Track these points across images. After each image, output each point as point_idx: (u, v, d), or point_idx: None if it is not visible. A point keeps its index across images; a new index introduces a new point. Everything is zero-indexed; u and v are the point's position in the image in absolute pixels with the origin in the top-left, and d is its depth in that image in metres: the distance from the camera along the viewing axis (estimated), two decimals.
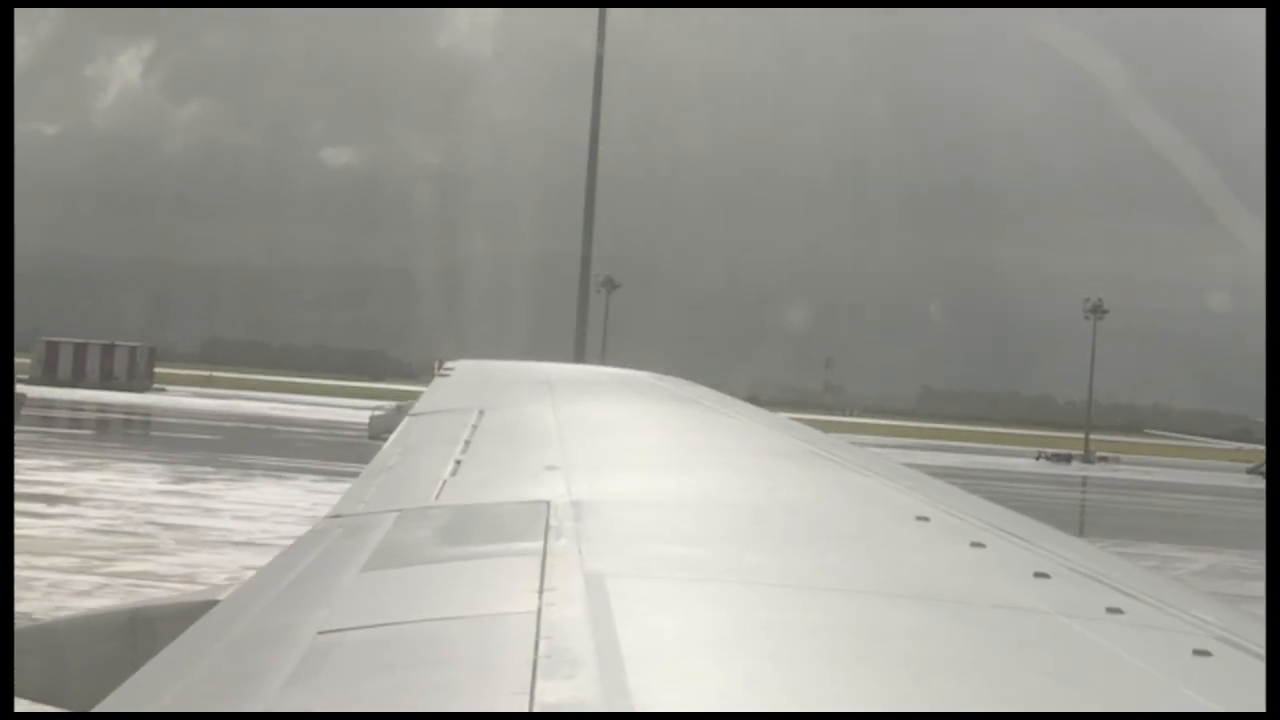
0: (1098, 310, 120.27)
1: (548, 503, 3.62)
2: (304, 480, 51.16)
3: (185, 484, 48.45)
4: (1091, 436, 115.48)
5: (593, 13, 58.19)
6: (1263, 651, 2.56)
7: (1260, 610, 3.57)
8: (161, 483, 47.80)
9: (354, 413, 68.98)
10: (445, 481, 4.37)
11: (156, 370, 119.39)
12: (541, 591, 2.61)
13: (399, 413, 33.85)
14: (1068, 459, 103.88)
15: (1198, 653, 2.60)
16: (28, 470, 48.31)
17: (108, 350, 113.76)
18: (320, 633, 2.48)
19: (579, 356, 57.05)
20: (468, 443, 5.19)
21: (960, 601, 2.96)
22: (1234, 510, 68.38)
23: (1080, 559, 3.63)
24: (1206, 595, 3.47)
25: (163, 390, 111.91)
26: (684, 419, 6.72)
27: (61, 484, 45.46)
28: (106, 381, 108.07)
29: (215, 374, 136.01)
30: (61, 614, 23.70)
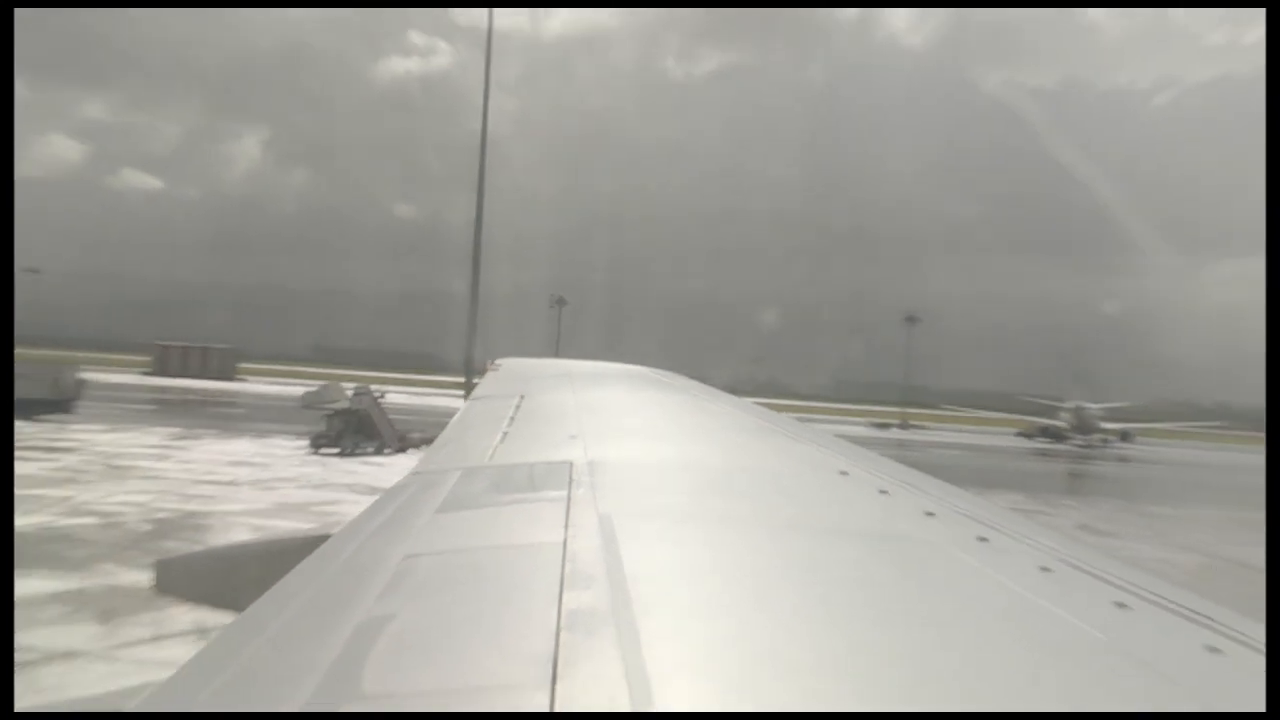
0: (912, 320, 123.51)
1: (570, 463, 3.65)
2: (275, 439, 48.30)
3: (179, 440, 46.44)
4: (932, 412, 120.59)
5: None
6: (1260, 650, 2.19)
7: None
8: (160, 440, 45.87)
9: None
10: (496, 447, 4.40)
11: (247, 365, 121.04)
12: (566, 527, 2.67)
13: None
14: (887, 426, 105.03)
15: (1118, 606, 2.45)
16: (69, 430, 47.52)
17: (202, 351, 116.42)
18: (406, 557, 2.56)
19: (468, 366, 54.04)
20: (511, 419, 5.09)
21: (870, 535, 3.02)
22: (968, 460, 67.62)
23: (961, 503, 3.65)
24: (1123, 561, 3.17)
25: (243, 380, 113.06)
26: (673, 402, 6.55)
27: (78, 440, 43.79)
28: (201, 373, 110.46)
29: (296, 368, 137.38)
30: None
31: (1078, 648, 2.04)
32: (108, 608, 16.20)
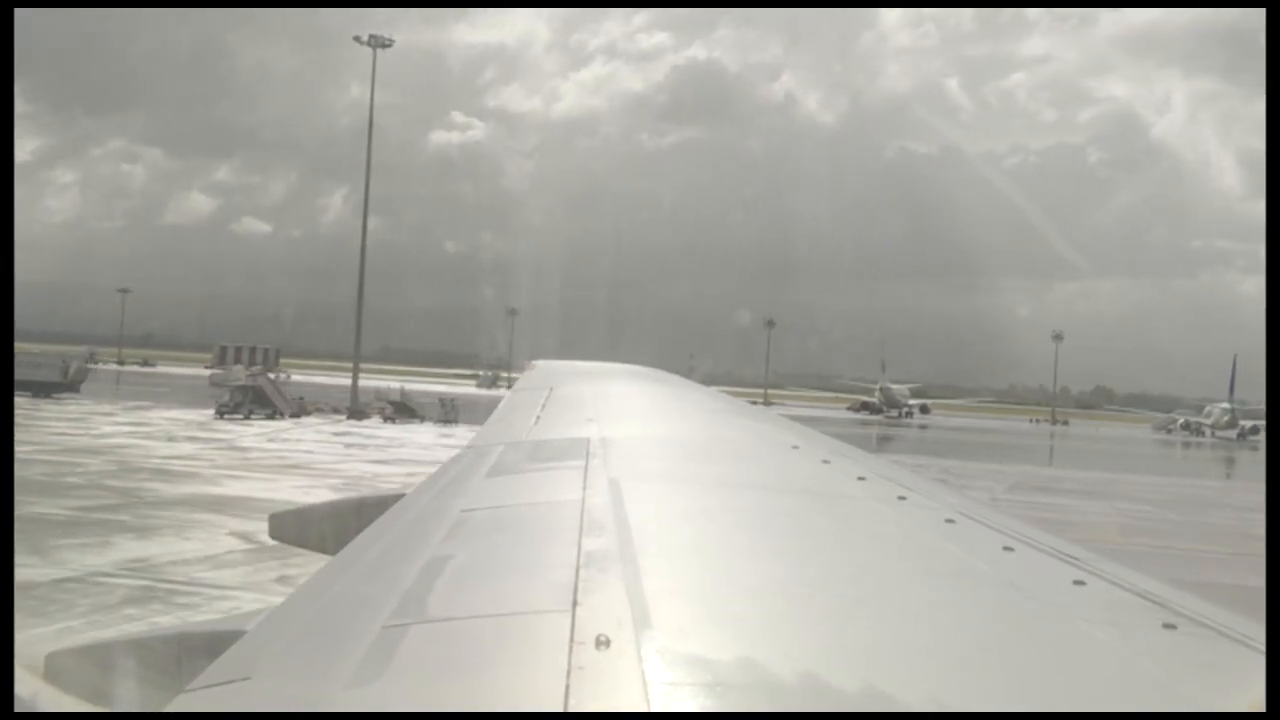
0: (770, 324, 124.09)
1: (587, 439, 3.56)
2: (208, 409, 47.78)
3: (128, 410, 47.66)
4: (792, 392, 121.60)
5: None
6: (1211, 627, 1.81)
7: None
8: (112, 409, 46.98)
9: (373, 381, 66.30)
10: (531, 427, 4.31)
11: (292, 361, 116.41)
12: (584, 488, 2.61)
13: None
14: (755, 403, 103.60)
15: (1006, 548, 2.31)
16: (53, 404, 48.47)
17: (250, 349, 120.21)
18: (462, 511, 2.52)
19: (355, 372, 57.25)
20: (543, 406, 5.10)
21: (813, 493, 3.04)
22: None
23: (889, 470, 3.55)
24: (1007, 514, 2.88)
25: (282, 372, 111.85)
26: (663, 393, 6.53)
27: (45, 408, 44.89)
28: (249, 367, 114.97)
29: (333, 363, 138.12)
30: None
31: (961, 576, 2.14)
32: None
